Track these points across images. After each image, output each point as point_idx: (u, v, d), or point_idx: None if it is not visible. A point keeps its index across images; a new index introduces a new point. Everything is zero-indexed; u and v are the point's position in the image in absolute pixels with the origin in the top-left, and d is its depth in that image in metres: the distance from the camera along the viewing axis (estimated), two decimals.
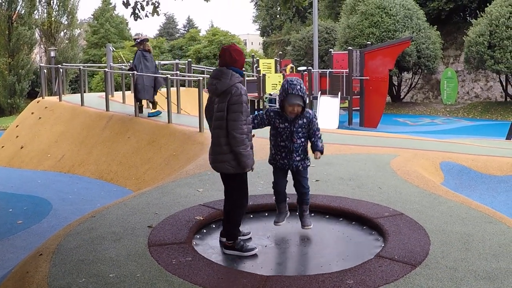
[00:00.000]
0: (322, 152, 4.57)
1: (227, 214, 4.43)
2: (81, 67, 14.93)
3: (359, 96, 19.23)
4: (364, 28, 24.65)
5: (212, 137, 4.30)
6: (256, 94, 21.78)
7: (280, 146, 4.57)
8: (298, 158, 4.57)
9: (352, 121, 19.36)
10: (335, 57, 21.11)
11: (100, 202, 8.83)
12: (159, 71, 13.11)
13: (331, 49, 23.94)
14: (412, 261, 3.77)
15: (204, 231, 4.89)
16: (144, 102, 13.16)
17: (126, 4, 7.40)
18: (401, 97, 28.08)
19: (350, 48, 20.35)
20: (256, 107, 23.56)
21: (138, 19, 7.51)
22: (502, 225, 4.59)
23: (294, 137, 4.51)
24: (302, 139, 4.55)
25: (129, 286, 3.63)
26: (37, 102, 16.58)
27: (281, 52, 30.94)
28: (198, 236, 4.75)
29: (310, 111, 4.60)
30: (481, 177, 7.48)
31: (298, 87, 4.41)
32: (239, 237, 4.37)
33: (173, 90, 13.64)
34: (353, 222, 4.87)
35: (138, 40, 12.62)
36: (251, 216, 5.21)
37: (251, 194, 5.74)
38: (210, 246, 4.56)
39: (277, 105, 4.65)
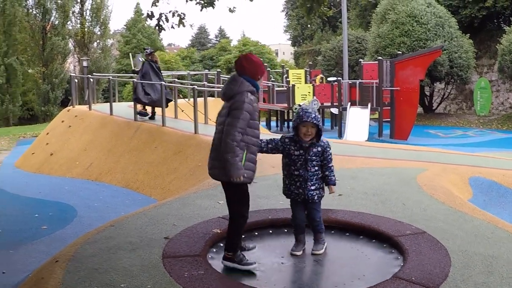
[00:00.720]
0: (335, 185, 4.54)
1: (228, 225, 4.35)
2: (110, 77, 15.15)
3: (389, 107, 18.92)
4: (395, 37, 24.27)
5: (213, 142, 4.23)
6: (286, 105, 21.70)
7: (294, 175, 4.50)
8: (313, 188, 4.50)
9: (382, 132, 19.05)
10: (365, 67, 20.83)
11: (124, 211, 8.87)
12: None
13: (361, 59, 23.66)
14: (430, 283, 3.59)
15: (221, 244, 4.81)
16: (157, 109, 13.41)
17: (151, 16, 7.43)
18: (434, 108, 27.54)
19: (380, 58, 20.06)
20: (286, 118, 23.45)
21: (163, 30, 7.51)
22: None
23: (309, 165, 4.44)
24: (316, 168, 4.48)
25: None
26: (68, 111, 16.90)
27: (311, 63, 30.72)
28: (214, 250, 4.68)
29: (325, 140, 4.53)
30: None
31: (313, 115, 4.39)
32: (239, 251, 4.27)
33: (202, 100, 13.72)
34: (373, 240, 4.71)
35: (148, 51, 13.69)
36: (270, 231, 5.12)
37: (271, 207, 5.68)
38: None
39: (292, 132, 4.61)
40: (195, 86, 12.24)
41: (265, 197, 6.15)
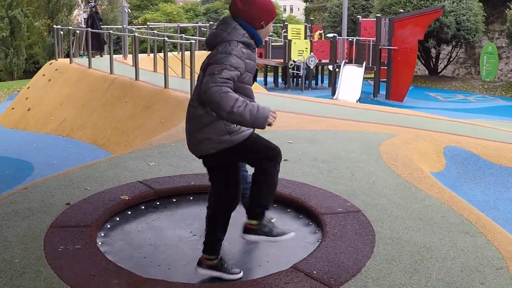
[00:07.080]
0: None
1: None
2: (89, 29, 14.58)
3: (386, 67, 17.89)
4: None
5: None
6: (281, 61, 20.75)
7: None
8: None
9: (378, 93, 18.11)
10: (363, 24, 19.69)
11: None
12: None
13: (358, 16, 22.46)
14: (332, 281, 2.85)
15: (129, 212, 4.18)
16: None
17: None
18: (438, 70, 26.42)
19: (378, 15, 18.95)
20: (280, 74, 22.55)
21: None
22: (481, 238, 3.53)
23: None
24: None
25: None
26: (50, 64, 16.37)
27: (312, 18, 29.52)
28: (117, 218, 4.05)
29: None
30: (490, 167, 6.33)
31: None
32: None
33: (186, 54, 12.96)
34: (301, 216, 4.00)
35: (92, 4, 16.99)
36: (174, 200, 4.46)
37: (187, 173, 5.01)
38: (120, 232, 3.85)
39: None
40: (166, 38, 11.44)
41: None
